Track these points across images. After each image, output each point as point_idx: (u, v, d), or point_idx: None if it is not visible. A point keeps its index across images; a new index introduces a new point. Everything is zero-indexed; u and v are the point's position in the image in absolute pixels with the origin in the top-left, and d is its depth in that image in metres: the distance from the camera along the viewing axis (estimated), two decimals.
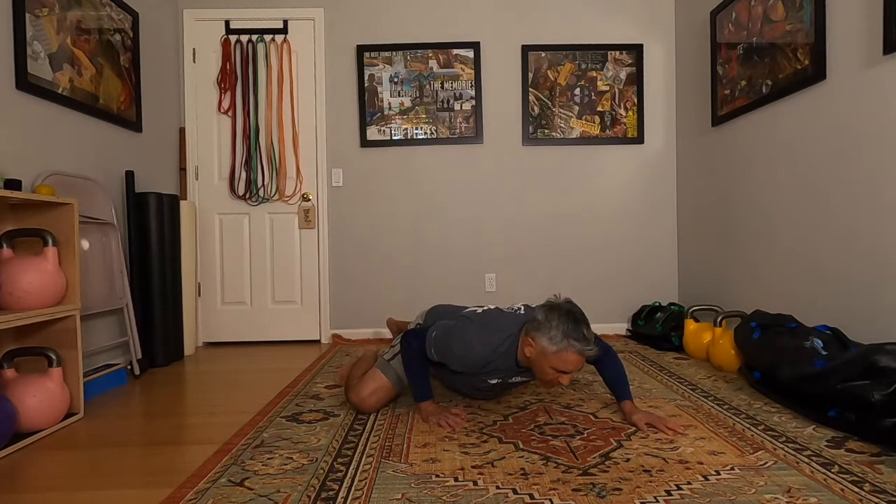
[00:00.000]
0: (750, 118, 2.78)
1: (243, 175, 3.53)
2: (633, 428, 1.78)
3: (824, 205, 2.28)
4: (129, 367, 2.69)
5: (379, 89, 3.56)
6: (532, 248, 3.61)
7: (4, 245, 1.93)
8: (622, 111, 3.59)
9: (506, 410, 1.99)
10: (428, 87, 3.56)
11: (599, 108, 3.58)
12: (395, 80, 3.55)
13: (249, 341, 3.56)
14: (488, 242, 3.61)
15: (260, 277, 3.57)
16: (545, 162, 3.60)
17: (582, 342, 1.62)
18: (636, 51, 3.57)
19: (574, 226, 3.61)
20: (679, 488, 1.34)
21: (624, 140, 3.59)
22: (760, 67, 2.66)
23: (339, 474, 1.46)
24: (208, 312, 3.56)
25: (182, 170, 3.49)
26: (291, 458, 1.57)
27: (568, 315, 1.65)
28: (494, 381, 1.88)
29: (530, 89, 3.57)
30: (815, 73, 2.27)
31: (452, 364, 1.80)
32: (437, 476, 1.43)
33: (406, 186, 3.59)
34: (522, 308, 1.90)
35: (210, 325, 3.56)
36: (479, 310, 1.96)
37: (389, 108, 3.56)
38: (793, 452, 1.55)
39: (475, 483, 1.39)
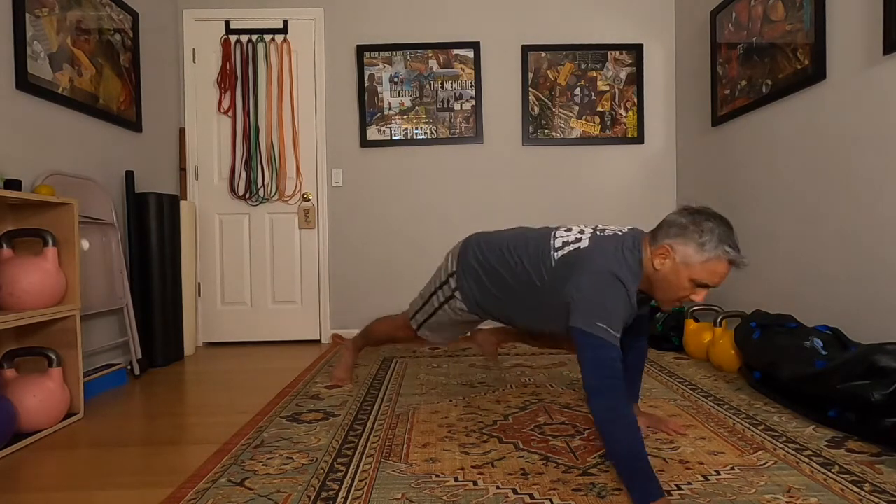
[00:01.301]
0: (750, 118, 2.78)
1: (243, 175, 3.53)
2: None
3: (824, 205, 2.28)
4: (129, 367, 2.69)
5: (379, 89, 3.56)
6: None
7: (4, 245, 1.93)
8: (622, 111, 3.59)
9: (506, 410, 1.99)
10: (428, 87, 3.56)
11: (599, 108, 3.58)
12: (395, 80, 3.55)
13: (249, 341, 3.56)
14: None
15: (260, 277, 3.57)
16: (545, 162, 3.60)
17: (737, 250, 1.37)
18: (636, 51, 3.57)
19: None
20: (679, 488, 1.34)
21: (624, 140, 3.59)
22: (760, 67, 2.66)
23: (339, 474, 1.46)
24: (208, 312, 3.56)
25: (182, 170, 3.49)
26: (291, 458, 1.57)
27: (720, 219, 1.40)
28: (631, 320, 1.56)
29: (530, 89, 3.57)
30: (815, 73, 2.27)
31: (624, 323, 1.44)
32: (437, 476, 1.43)
33: (406, 186, 3.59)
34: (619, 229, 1.59)
35: (210, 325, 3.56)
36: (564, 234, 1.61)
37: (389, 108, 3.56)
38: (793, 452, 1.55)
39: (475, 483, 1.39)
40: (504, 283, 1.67)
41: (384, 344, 2.32)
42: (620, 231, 1.57)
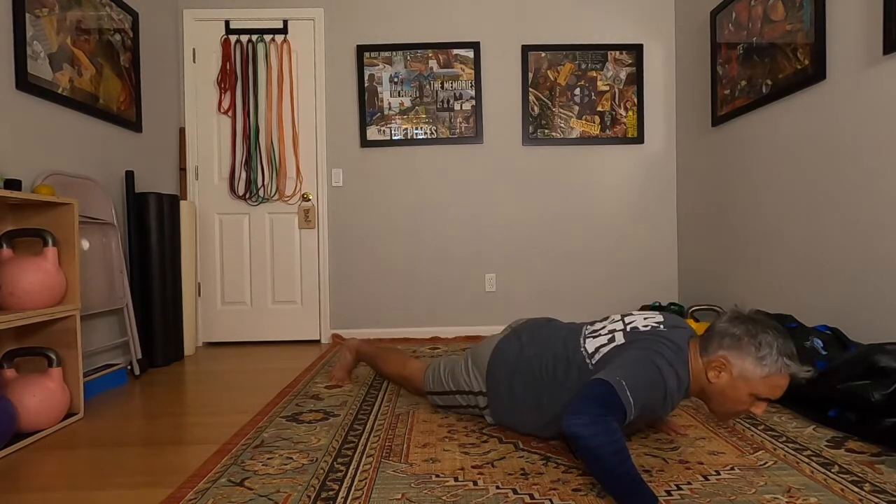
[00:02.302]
0: (750, 118, 2.78)
1: (243, 175, 3.53)
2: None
3: (824, 205, 2.28)
4: (129, 367, 2.69)
5: (379, 89, 3.56)
6: (532, 248, 3.61)
7: (4, 245, 1.93)
8: (622, 111, 3.59)
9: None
10: (428, 87, 3.56)
11: (599, 108, 3.58)
12: (395, 80, 3.55)
13: (249, 341, 3.56)
14: (488, 242, 3.61)
15: (260, 277, 3.57)
16: (545, 162, 3.60)
17: (797, 363, 1.32)
18: (636, 51, 3.57)
19: (574, 226, 3.61)
20: (679, 488, 1.34)
21: (624, 140, 3.59)
22: (760, 67, 2.66)
23: (339, 474, 1.46)
24: (208, 312, 3.56)
25: (182, 170, 3.49)
26: (291, 458, 1.57)
27: (777, 330, 1.34)
28: (667, 414, 1.55)
29: (530, 89, 3.57)
30: (815, 73, 2.27)
31: (643, 411, 1.34)
32: (437, 476, 1.43)
33: (406, 186, 3.59)
34: (658, 323, 1.51)
35: (210, 325, 3.56)
36: (593, 341, 1.54)
37: (389, 108, 3.56)
38: (793, 452, 1.55)
39: (475, 483, 1.39)
40: (542, 404, 1.58)
41: (385, 378, 2.24)
42: (655, 327, 1.48)
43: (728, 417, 1.44)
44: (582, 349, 1.53)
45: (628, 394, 1.25)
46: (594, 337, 1.54)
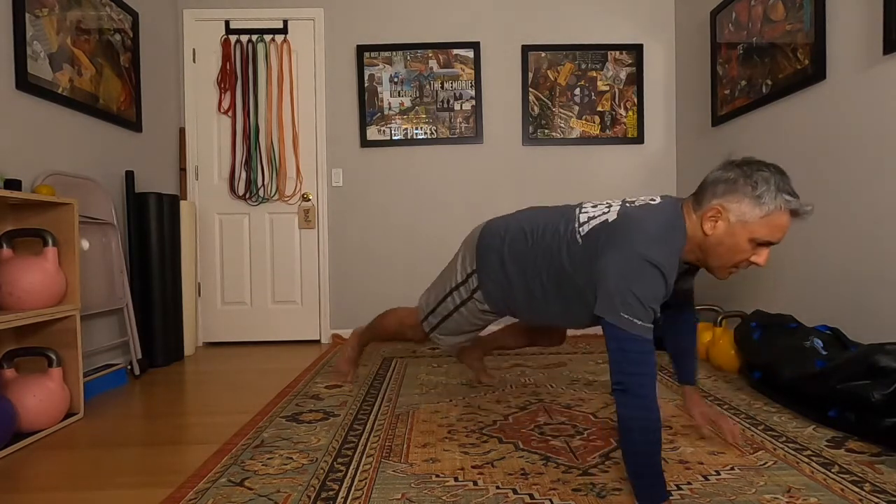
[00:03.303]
0: (750, 118, 2.78)
1: (243, 175, 3.53)
2: None
3: (824, 205, 2.28)
4: (129, 367, 2.69)
5: (379, 89, 3.56)
6: None
7: (4, 245, 1.93)
8: (622, 111, 3.59)
9: (506, 410, 1.99)
10: (428, 87, 3.56)
11: (599, 108, 3.58)
12: (395, 80, 3.55)
13: (249, 341, 3.56)
14: None
15: (260, 277, 3.57)
16: (545, 162, 3.60)
17: (797, 197, 1.24)
18: (636, 51, 3.57)
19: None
20: (679, 488, 1.34)
21: (624, 140, 3.59)
22: (760, 67, 2.66)
23: (339, 474, 1.46)
24: (208, 312, 3.56)
25: (182, 170, 3.49)
26: (291, 458, 1.57)
27: (772, 167, 1.26)
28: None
29: (530, 89, 3.57)
30: (815, 73, 2.27)
31: (656, 313, 1.27)
32: (437, 476, 1.43)
33: (406, 186, 3.59)
34: (653, 198, 1.44)
35: (210, 325, 3.56)
36: (590, 209, 1.47)
37: (389, 108, 3.56)
38: (793, 452, 1.55)
39: (475, 483, 1.39)
40: (531, 275, 1.53)
41: (391, 340, 2.19)
42: (653, 200, 1.42)
43: (728, 271, 1.34)
44: (575, 221, 1.47)
45: (637, 321, 1.21)
46: (592, 206, 1.49)
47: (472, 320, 1.76)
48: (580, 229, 1.44)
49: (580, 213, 1.48)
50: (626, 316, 1.22)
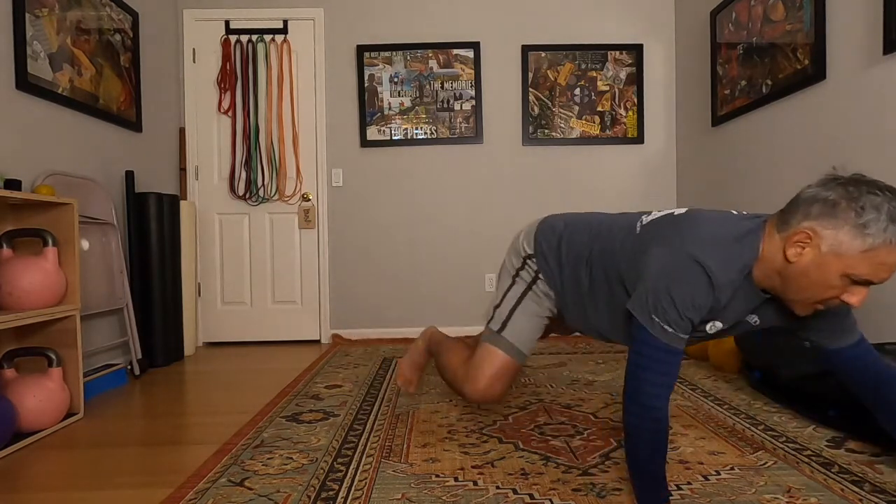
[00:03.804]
0: (750, 118, 2.78)
1: (243, 175, 3.53)
2: None
3: None
4: (129, 367, 2.69)
5: (379, 89, 3.56)
6: None
7: (4, 245, 1.93)
8: (622, 111, 3.59)
9: (506, 410, 1.99)
10: (428, 87, 3.56)
11: (599, 108, 3.58)
12: (395, 80, 3.55)
13: (249, 341, 3.56)
14: (488, 242, 3.60)
15: (260, 277, 3.57)
16: (545, 162, 3.60)
17: None
18: (636, 51, 3.57)
19: None
20: (679, 488, 1.34)
21: (624, 140, 3.59)
22: (760, 67, 2.66)
23: (339, 474, 1.46)
24: (208, 312, 3.56)
25: (182, 170, 3.49)
26: (291, 458, 1.57)
27: (889, 190, 1.04)
28: (724, 327, 1.26)
29: (530, 89, 3.57)
30: (815, 73, 2.27)
31: (693, 323, 1.15)
32: (437, 476, 1.43)
33: (406, 186, 3.59)
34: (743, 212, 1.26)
35: (210, 325, 3.56)
36: (658, 210, 1.37)
37: (389, 108, 3.56)
38: (793, 452, 1.55)
39: (475, 483, 1.39)
40: (583, 264, 1.43)
41: (442, 370, 1.77)
42: (735, 212, 1.26)
43: (809, 308, 1.13)
44: (644, 215, 1.37)
45: (668, 328, 1.11)
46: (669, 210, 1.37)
47: (538, 312, 1.55)
48: (643, 219, 1.34)
49: (644, 215, 1.38)
50: (657, 319, 1.13)
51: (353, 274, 3.60)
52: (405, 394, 1.83)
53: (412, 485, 1.38)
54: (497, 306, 1.59)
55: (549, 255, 1.50)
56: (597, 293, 1.42)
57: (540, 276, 1.53)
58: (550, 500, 1.29)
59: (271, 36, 3.53)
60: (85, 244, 2.52)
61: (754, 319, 1.25)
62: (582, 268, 1.43)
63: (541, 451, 1.59)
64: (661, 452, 1.15)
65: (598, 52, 3.57)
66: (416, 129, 3.57)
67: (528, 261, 1.56)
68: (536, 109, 3.58)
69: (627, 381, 1.17)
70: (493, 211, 3.61)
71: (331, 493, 1.35)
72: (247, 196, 3.53)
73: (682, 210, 1.29)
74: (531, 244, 1.56)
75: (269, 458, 1.58)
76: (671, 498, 1.28)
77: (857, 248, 1.03)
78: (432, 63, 3.56)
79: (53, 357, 1.92)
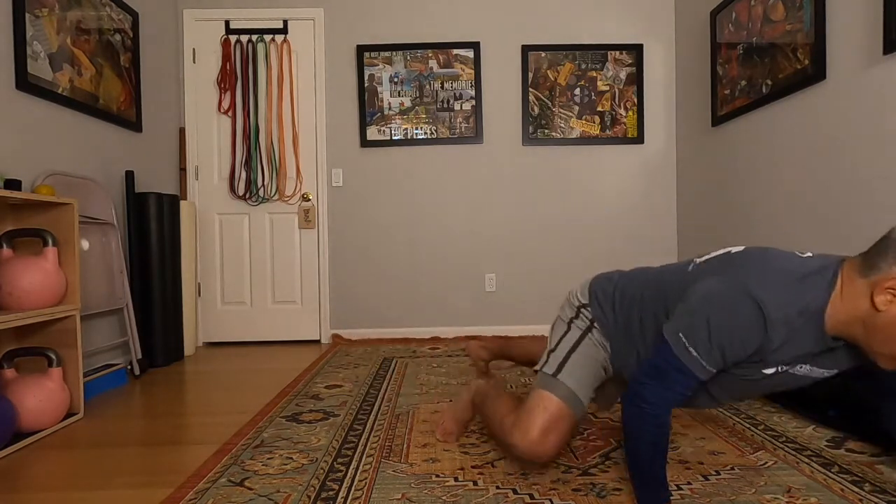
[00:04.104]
0: (750, 118, 2.78)
1: (243, 175, 3.53)
2: None
3: (824, 205, 2.28)
4: (129, 367, 2.69)
5: (379, 89, 3.56)
6: (532, 247, 3.61)
7: (4, 245, 1.93)
8: (622, 111, 3.59)
9: None
10: (428, 87, 3.56)
11: (599, 108, 3.58)
12: (395, 80, 3.55)
13: (249, 341, 3.56)
14: (488, 242, 3.61)
15: (260, 277, 3.57)
16: (545, 162, 3.60)
17: None
18: (636, 51, 3.57)
19: (574, 225, 3.61)
20: (679, 488, 1.34)
21: (624, 140, 3.59)
22: (760, 67, 2.66)
23: (339, 474, 1.46)
24: (208, 312, 3.56)
25: (182, 170, 3.49)
26: (291, 458, 1.57)
27: None
28: (770, 372, 1.14)
29: (530, 89, 3.57)
30: (815, 73, 2.27)
31: (743, 352, 1.08)
32: (437, 476, 1.43)
33: (406, 186, 3.59)
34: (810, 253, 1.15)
35: (210, 325, 3.56)
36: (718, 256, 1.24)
37: (389, 108, 3.56)
38: (793, 452, 1.55)
39: (475, 483, 1.39)
40: (635, 307, 1.36)
41: (489, 431, 1.65)
42: (803, 253, 1.16)
43: (894, 362, 1.03)
44: (692, 261, 1.30)
45: (696, 355, 1.05)
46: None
47: (595, 356, 1.42)
48: (696, 260, 1.28)
49: (710, 253, 1.31)
50: (683, 338, 1.08)
51: (353, 274, 3.60)
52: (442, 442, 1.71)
53: (412, 485, 1.38)
54: (552, 351, 1.45)
55: (603, 303, 1.43)
56: (647, 334, 1.32)
57: (595, 324, 1.44)
58: (550, 500, 1.29)
59: (271, 36, 3.53)
60: (85, 244, 2.52)
61: (806, 369, 1.14)
62: (634, 311, 1.36)
63: None
64: (661, 454, 1.15)
65: (598, 52, 3.57)
66: (416, 129, 3.57)
67: (583, 310, 1.48)
68: (536, 109, 3.58)
69: (630, 383, 1.17)
70: (493, 211, 3.61)
71: (331, 493, 1.35)
72: (247, 196, 3.53)
73: (740, 248, 1.22)
74: (585, 295, 1.49)
75: (269, 458, 1.58)
76: (671, 498, 1.28)
77: None
78: (432, 63, 3.56)
79: (53, 357, 1.92)
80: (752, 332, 1.04)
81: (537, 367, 1.42)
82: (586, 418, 1.88)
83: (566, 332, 1.46)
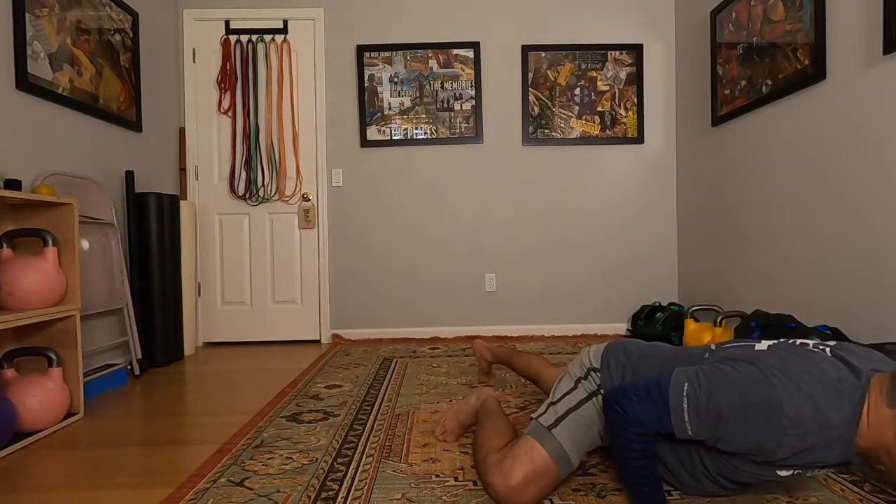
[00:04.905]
0: (750, 118, 2.78)
1: (243, 175, 3.53)
2: None
3: (824, 205, 2.28)
4: (129, 367, 2.69)
5: (379, 89, 3.56)
6: (532, 248, 3.61)
7: (4, 245, 1.93)
8: (622, 111, 3.59)
9: (506, 410, 1.98)
10: (428, 87, 3.56)
11: (599, 108, 3.58)
12: (395, 80, 3.55)
13: (249, 341, 3.56)
14: (488, 242, 3.61)
15: (260, 277, 3.57)
16: (545, 162, 3.60)
17: None
18: (636, 51, 3.57)
19: (574, 226, 3.61)
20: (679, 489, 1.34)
21: (624, 140, 3.59)
22: (760, 67, 2.66)
23: (339, 474, 1.46)
24: (208, 312, 3.56)
25: (182, 170, 3.49)
26: (291, 458, 1.57)
27: None
28: (786, 474, 1.12)
29: (530, 89, 3.57)
30: (815, 73, 2.27)
31: (739, 443, 1.06)
32: (437, 476, 1.43)
33: (406, 186, 3.60)
34: (825, 348, 1.09)
35: (210, 325, 3.56)
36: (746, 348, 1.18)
37: (389, 108, 3.56)
38: None
39: (475, 483, 1.39)
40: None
41: (475, 455, 1.52)
42: (819, 349, 1.09)
43: None
44: (708, 347, 1.28)
45: (685, 406, 1.05)
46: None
47: (597, 422, 1.37)
48: (712, 346, 1.26)
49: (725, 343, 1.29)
50: (685, 389, 1.08)
51: (353, 274, 3.60)
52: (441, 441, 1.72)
53: (412, 485, 1.38)
54: (553, 403, 1.41)
55: (614, 374, 1.40)
56: None
57: (601, 391, 1.40)
58: (550, 500, 1.29)
59: (271, 36, 3.53)
60: (85, 244, 2.52)
61: (816, 472, 1.13)
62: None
63: None
64: (651, 457, 1.16)
65: (598, 52, 3.57)
66: (416, 129, 3.57)
67: (592, 373, 1.45)
68: (536, 109, 3.58)
69: (618, 387, 1.18)
70: (493, 211, 3.61)
71: (331, 493, 1.35)
72: (247, 196, 3.53)
73: (763, 346, 1.15)
74: (598, 359, 1.46)
75: (269, 458, 1.58)
76: (669, 499, 1.28)
77: None
78: (432, 63, 3.56)
79: (53, 357, 1.92)
80: (764, 436, 1.02)
81: (534, 416, 1.41)
82: None
83: (572, 390, 1.43)
